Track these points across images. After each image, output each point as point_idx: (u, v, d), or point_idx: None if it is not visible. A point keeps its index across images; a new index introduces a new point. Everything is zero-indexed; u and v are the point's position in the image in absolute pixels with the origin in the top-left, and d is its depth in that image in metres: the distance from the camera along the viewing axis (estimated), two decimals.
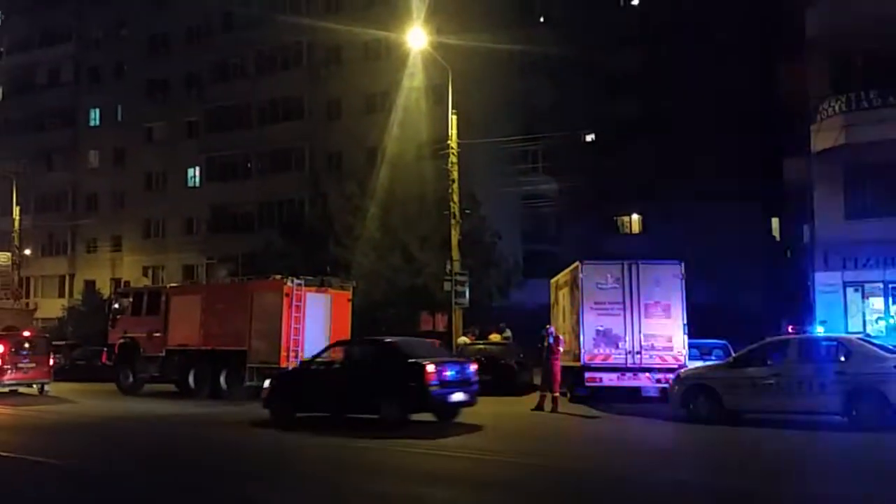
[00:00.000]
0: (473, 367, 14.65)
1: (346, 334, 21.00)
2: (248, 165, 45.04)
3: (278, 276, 20.30)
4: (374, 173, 32.80)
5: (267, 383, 15.00)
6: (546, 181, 36.82)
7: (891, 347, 14.11)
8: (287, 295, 19.31)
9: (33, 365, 21.60)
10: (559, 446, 12.32)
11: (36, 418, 16.43)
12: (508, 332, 24.87)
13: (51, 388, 22.11)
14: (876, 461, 10.53)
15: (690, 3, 34.03)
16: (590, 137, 38.08)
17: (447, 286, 24.29)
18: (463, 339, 24.13)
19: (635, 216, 37.78)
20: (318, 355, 15.26)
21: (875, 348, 13.72)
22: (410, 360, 13.35)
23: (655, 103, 33.82)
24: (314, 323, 19.69)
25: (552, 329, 17.50)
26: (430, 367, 13.10)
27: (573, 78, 35.70)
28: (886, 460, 10.68)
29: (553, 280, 21.86)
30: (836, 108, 21.42)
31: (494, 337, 23.99)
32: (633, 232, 37.77)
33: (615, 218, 37.87)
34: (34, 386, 21.82)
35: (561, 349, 17.03)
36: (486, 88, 35.07)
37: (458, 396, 13.59)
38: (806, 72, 22.90)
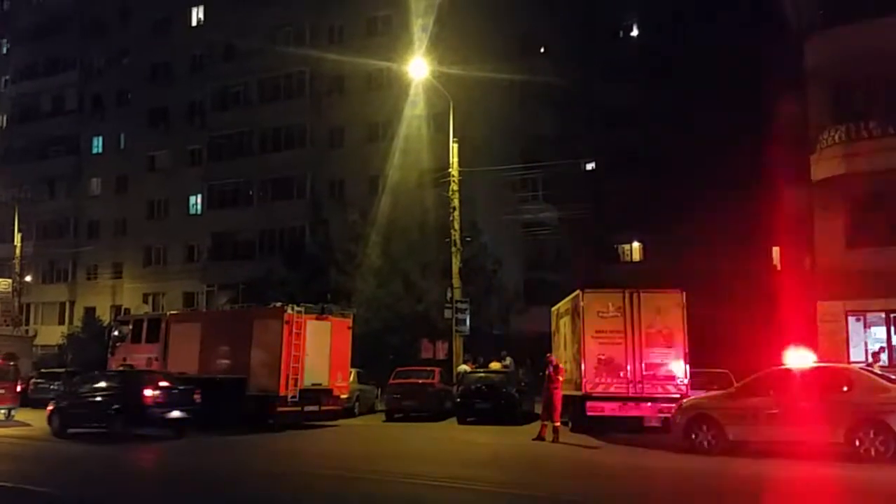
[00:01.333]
0: (194, 391, 17.60)
1: (347, 362, 20.96)
2: (250, 193, 45.18)
3: (278, 304, 20.25)
4: (375, 201, 32.95)
5: (51, 405, 18.46)
6: (547, 209, 36.92)
7: (893, 377, 14.02)
8: (287, 322, 19.22)
9: (1, 391, 21.59)
10: (556, 477, 12.17)
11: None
12: (509, 360, 24.77)
13: (17, 412, 22.10)
14: (878, 494, 10.39)
15: (689, 34, 34.38)
16: (590, 166, 38.27)
17: (448, 313, 24.28)
18: (463, 367, 24.03)
19: (636, 244, 37.80)
20: (85, 382, 18.90)
21: (878, 378, 13.64)
22: (132, 384, 16.94)
23: (655, 132, 34.02)
24: (314, 351, 19.60)
25: (553, 358, 17.40)
26: (148, 392, 16.57)
27: (573, 107, 35.97)
28: (890, 493, 10.54)
29: (554, 308, 21.80)
30: (836, 137, 21.51)
31: (495, 365, 23.88)
32: (634, 260, 37.76)
33: (616, 246, 37.90)
34: (1, 412, 21.79)
35: (561, 378, 16.91)
36: (487, 117, 35.32)
37: (175, 414, 16.86)
38: (805, 101, 23.05)
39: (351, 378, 22.08)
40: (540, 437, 16.33)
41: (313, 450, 15.25)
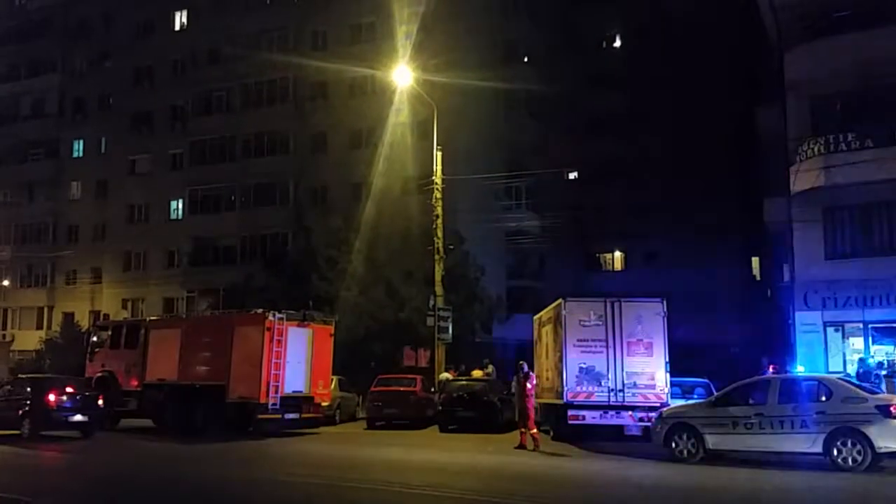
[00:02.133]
0: (98, 396, 19.11)
1: (328, 369, 20.85)
2: (232, 198, 44.91)
3: (259, 310, 20.12)
4: (358, 208, 32.86)
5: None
6: (529, 217, 37.07)
7: (871, 388, 14.17)
8: (268, 329, 19.10)
9: None
10: (537, 485, 12.13)
11: None
12: (491, 368, 24.76)
13: None
14: (854, 503, 10.48)
15: (672, 45, 34.73)
16: (573, 175, 38.48)
17: (430, 321, 24.23)
18: (445, 375, 23.99)
19: (618, 253, 38.05)
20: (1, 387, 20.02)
21: (856, 388, 13.77)
22: (39, 390, 18.05)
23: (637, 142, 34.32)
24: (295, 358, 19.49)
25: (525, 365, 17.37)
26: (51, 396, 18.02)
27: (556, 116, 36.20)
28: (866, 503, 10.63)
29: (536, 317, 21.84)
30: (816, 149, 21.76)
31: (477, 373, 23.85)
32: (616, 269, 37.99)
33: (598, 255, 38.13)
34: None
35: (530, 385, 16.89)
36: (471, 125, 35.42)
37: (77, 418, 18.29)
38: (785, 113, 23.33)
39: (332, 385, 21.97)
40: (521, 446, 16.35)
41: (293, 457, 15.13)
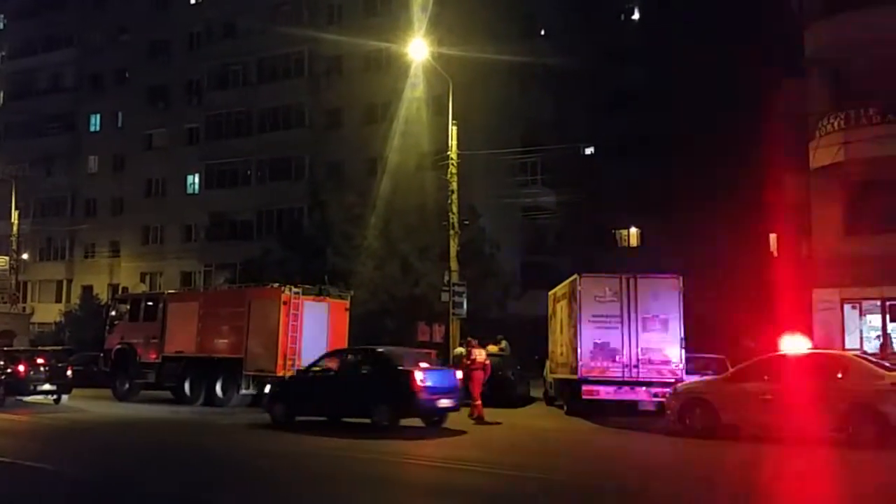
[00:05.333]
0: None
1: (344, 343, 20.98)
2: (248, 173, 45.06)
3: (276, 285, 20.26)
4: (373, 183, 32.85)
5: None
6: (545, 193, 36.88)
7: (888, 365, 14.10)
8: (285, 303, 19.27)
9: None
10: (557, 459, 12.25)
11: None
12: (505, 344, 24.82)
13: None
14: (867, 480, 10.49)
15: (690, 17, 34.16)
16: (589, 150, 38.17)
17: (445, 297, 24.26)
18: (459, 350, 24.06)
19: (634, 230, 37.81)
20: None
21: (872, 366, 13.71)
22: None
23: (655, 117, 33.92)
24: (311, 332, 19.64)
25: (473, 342, 18.07)
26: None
27: (573, 91, 35.82)
28: (880, 480, 10.64)
29: (551, 292, 21.84)
30: (835, 124, 21.49)
31: (492, 348, 23.93)
32: (632, 245, 37.79)
33: (614, 231, 37.91)
34: None
35: (477, 359, 17.26)
36: (487, 100, 35.17)
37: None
38: (805, 88, 22.99)
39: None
40: (477, 417, 16.54)
41: (310, 430, 15.33)
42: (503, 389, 20.78)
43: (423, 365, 14.79)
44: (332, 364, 15.92)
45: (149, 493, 9.07)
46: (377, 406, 14.16)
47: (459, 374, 15.97)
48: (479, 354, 17.51)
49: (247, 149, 44.22)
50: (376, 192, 31.29)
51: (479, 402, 16.77)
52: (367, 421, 14.31)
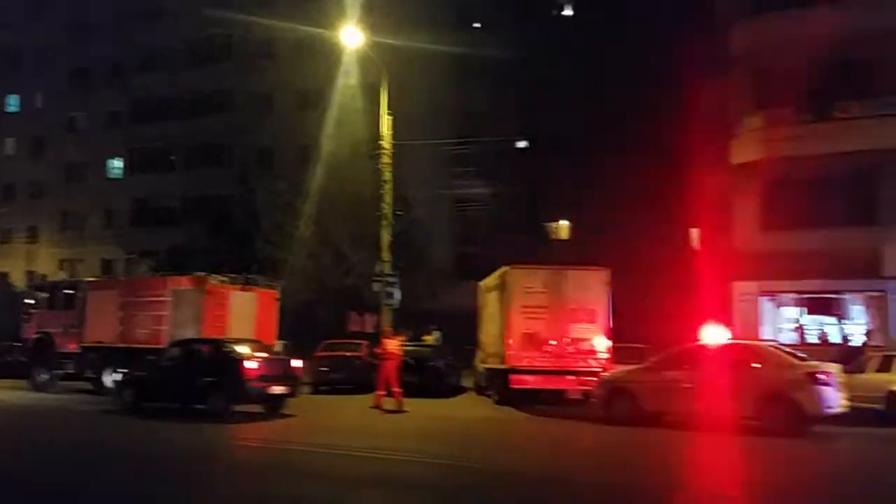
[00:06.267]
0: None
1: (273, 334, 20.70)
2: (174, 158, 43.80)
3: (201, 273, 19.76)
4: (306, 171, 32.36)
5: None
6: (479, 185, 37.08)
7: (802, 355, 14.72)
8: (210, 292, 18.85)
9: None
10: (482, 448, 12.34)
11: None
12: (438, 335, 24.91)
13: None
14: (780, 463, 10.95)
15: (622, 15, 34.81)
16: (523, 144, 38.55)
17: (377, 287, 24.13)
18: (402, 341, 23.98)
19: (565, 223, 38.40)
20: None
21: (787, 356, 14.28)
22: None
23: (586, 113, 34.47)
24: (238, 322, 19.24)
25: (388, 331, 18.37)
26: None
27: (509, 84, 36.05)
28: (792, 461, 11.11)
29: (482, 283, 21.98)
30: (756, 123, 22.26)
31: (428, 339, 24.06)
32: (563, 238, 38.37)
33: (546, 224, 38.41)
34: None
35: (387, 350, 17.30)
36: (422, 90, 35.06)
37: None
38: (729, 87, 23.73)
39: (277, 350, 21.78)
40: (386, 407, 16.62)
41: (237, 422, 15.04)
42: (434, 380, 20.87)
43: (256, 354, 15.36)
44: (178, 352, 16.55)
45: None
46: (212, 393, 14.90)
47: (299, 363, 16.38)
48: (391, 344, 17.51)
49: (173, 133, 42.96)
50: (308, 180, 30.84)
51: (397, 389, 16.74)
52: (203, 407, 14.99)
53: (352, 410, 17.39)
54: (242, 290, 19.80)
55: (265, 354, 15.67)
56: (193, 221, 38.76)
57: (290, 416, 15.35)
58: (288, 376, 15.67)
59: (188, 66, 43.36)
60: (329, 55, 36.14)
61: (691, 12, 31.31)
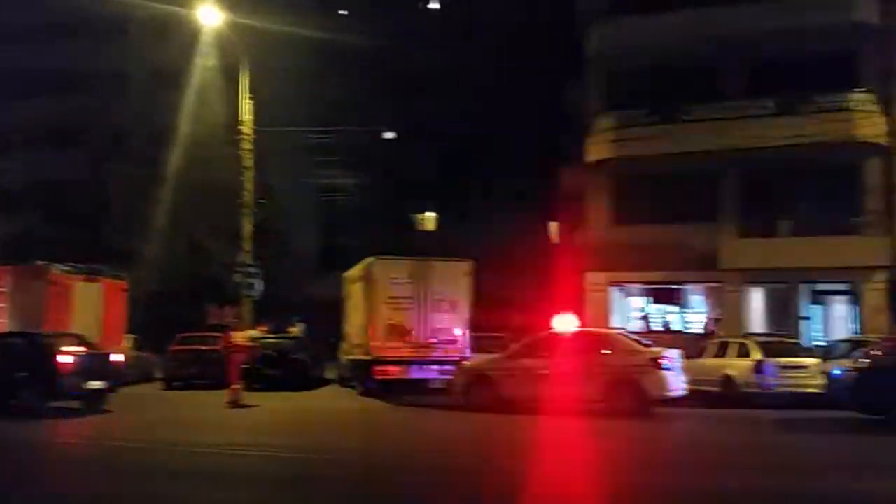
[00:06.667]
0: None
1: (121, 327, 19.68)
2: (13, 140, 40.33)
3: (42, 262, 18.39)
4: (162, 156, 30.78)
5: None
6: (345, 175, 36.77)
7: (647, 342, 15.72)
8: (52, 283, 17.61)
9: None
10: (335, 439, 12.23)
11: None
12: (302, 327, 24.53)
13: None
14: (623, 440, 11.66)
15: (487, 8, 35.50)
16: (390, 134, 38.57)
17: (237, 278, 23.37)
18: (251, 333, 23.34)
19: (432, 214, 38.82)
20: None
21: (633, 343, 15.21)
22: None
23: (452, 105, 34.97)
24: (83, 315, 18.06)
25: (235, 323, 18.10)
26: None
27: (375, 74, 35.92)
28: (634, 440, 11.85)
29: (346, 274, 21.87)
30: (609, 122, 23.43)
31: (294, 331, 23.65)
32: (429, 229, 38.80)
33: (413, 215, 38.68)
34: None
35: (236, 343, 17.03)
36: (286, 76, 34.14)
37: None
38: (585, 86, 24.82)
39: (126, 344, 20.66)
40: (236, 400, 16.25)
41: (80, 419, 14.17)
42: (297, 372, 20.55)
43: (72, 348, 14.80)
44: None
45: None
46: (25, 388, 14.27)
47: (119, 357, 15.89)
48: (238, 337, 17.08)
49: (14, 113, 39.50)
50: (165, 165, 29.37)
51: (236, 385, 16.29)
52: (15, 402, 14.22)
53: (192, 406, 16.90)
54: (87, 280, 18.63)
55: (82, 348, 14.97)
56: (35, 207, 35.93)
57: (109, 412, 14.69)
58: (107, 371, 15.08)
59: (32, 42, 40.00)
60: (188, 35, 34.50)
61: (558, 12, 32.50)
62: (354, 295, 20.47)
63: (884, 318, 20.27)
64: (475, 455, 10.56)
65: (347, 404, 17.42)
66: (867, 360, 13.54)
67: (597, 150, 23.61)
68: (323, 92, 35.71)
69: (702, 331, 22.43)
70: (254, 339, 22.30)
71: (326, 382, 22.15)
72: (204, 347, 21.50)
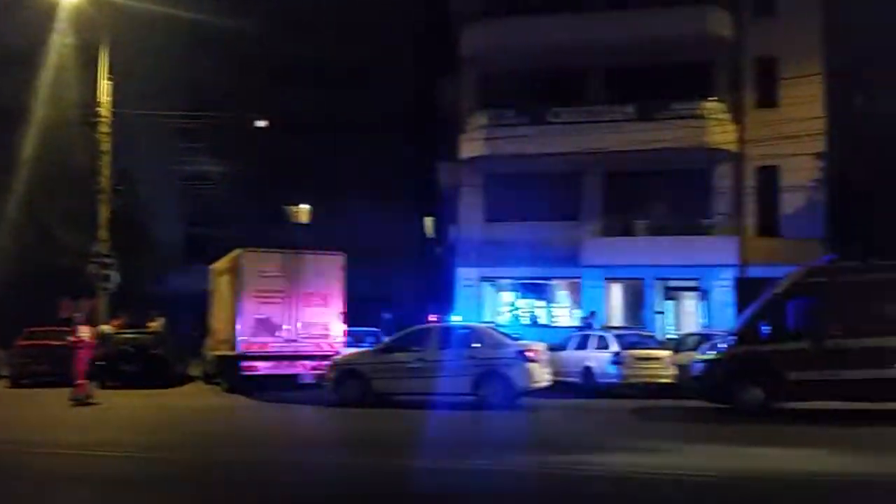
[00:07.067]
0: None
1: None
2: None
3: None
4: (8, 138, 28.38)
5: None
6: (212, 163, 35.40)
7: (515, 335, 16.20)
8: None
9: None
10: (182, 437, 11.82)
11: None
12: (163, 321, 23.43)
13: None
14: (488, 431, 11.97)
15: (369, 4, 35.23)
16: (262, 123, 37.46)
17: (92, 268, 22.02)
18: (106, 327, 22.05)
19: (305, 206, 38.09)
20: None
21: (502, 336, 15.60)
22: None
23: (328, 96, 34.51)
24: None
25: (79, 318, 16.83)
26: None
27: (247, 60, 34.80)
28: (502, 428, 12.19)
29: (213, 266, 21.11)
30: (481, 121, 23.93)
31: (154, 325, 22.52)
32: (302, 222, 38.06)
33: (284, 207, 37.80)
34: None
35: (82, 338, 16.05)
36: (151, 57, 32.44)
37: None
38: (460, 85, 25.20)
39: None
40: (80, 398, 15.38)
41: None
42: (157, 368, 19.65)
43: None
44: None
45: None
46: None
47: None
48: (85, 332, 16.12)
49: None
50: (11, 148, 27.12)
51: (81, 381, 15.40)
52: None
53: (36, 405, 15.91)
54: None
55: None
56: None
57: None
58: None
59: None
60: (42, 9, 32.04)
61: (436, 10, 32.75)
62: (222, 288, 19.81)
63: (730, 313, 21.92)
64: (303, 449, 10.55)
65: (209, 401, 16.82)
66: (714, 353, 14.56)
67: (469, 147, 24.06)
68: (192, 76, 34.20)
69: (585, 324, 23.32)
70: (109, 334, 21.16)
71: (191, 379, 21.29)
72: (54, 342, 20.07)
